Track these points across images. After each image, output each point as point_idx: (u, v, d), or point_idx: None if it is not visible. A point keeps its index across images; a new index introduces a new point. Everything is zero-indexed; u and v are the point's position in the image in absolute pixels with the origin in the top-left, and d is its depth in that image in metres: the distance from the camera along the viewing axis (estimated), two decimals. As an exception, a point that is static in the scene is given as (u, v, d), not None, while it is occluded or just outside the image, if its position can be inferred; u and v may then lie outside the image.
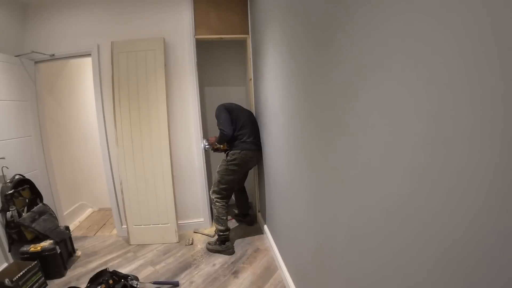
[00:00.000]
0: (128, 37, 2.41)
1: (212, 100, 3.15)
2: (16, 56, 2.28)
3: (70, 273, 2.07)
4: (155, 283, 1.89)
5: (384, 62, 0.62)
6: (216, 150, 2.53)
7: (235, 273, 1.98)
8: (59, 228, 2.18)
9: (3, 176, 2.02)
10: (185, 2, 2.46)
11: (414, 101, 0.54)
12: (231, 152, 2.27)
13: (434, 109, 0.49)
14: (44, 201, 2.30)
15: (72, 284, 1.91)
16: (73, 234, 2.57)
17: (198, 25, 2.51)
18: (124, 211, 2.48)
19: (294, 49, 1.28)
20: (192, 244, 2.45)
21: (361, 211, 0.78)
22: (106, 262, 2.22)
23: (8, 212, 1.94)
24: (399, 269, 0.63)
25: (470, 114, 0.42)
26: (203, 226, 2.76)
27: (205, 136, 2.92)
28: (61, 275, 2.02)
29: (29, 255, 1.92)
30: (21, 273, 1.72)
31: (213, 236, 2.53)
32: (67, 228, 2.27)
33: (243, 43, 2.77)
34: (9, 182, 2.02)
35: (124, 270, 2.03)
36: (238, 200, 2.80)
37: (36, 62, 2.48)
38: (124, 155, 2.41)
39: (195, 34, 2.51)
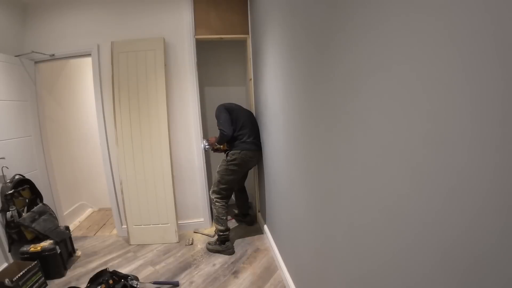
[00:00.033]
0: (128, 37, 2.41)
1: (212, 100, 3.15)
2: (16, 56, 2.28)
3: (70, 273, 2.07)
4: (155, 283, 1.89)
5: (384, 62, 0.62)
6: (216, 150, 2.53)
7: (235, 273, 1.98)
8: (59, 228, 2.18)
9: (3, 176, 2.02)
10: (185, 2, 2.46)
11: (414, 101, 0.54)
12: (231, 152, 2.27)
13: (434, 109, 0.49)
14: (44, 201, 2.30)
15: (72, 284, 1.91)
16: (73, 234, 2.57)
17: (198, 25, 2.51)
18: (124, 211, 2.48)
19: (294, 49, 1.28)
20: (192, 244, 2.45)
21: (361, 211, 0.78)
22: (106, 262, 2.22)
23: (8, 212, 1.94)
24: (399, 269, 0.63)
25: (470, 114, 0.42)
26: (203, 226, 2.76)
27: (205, 136, 2.92)
28: (61, 275, 2.02)
29: (29, 255, 1.92)
30: (21, 273, 1.72)
31: (213, 236, 2.53)
32: (67, 228, 2.27)
33: (243, 43, 2.77)
34: (9, 182, 2.03)
35: (124, 270, 2.03)
36: (238, 200, 2.80)
37: (36, 62, 2.48)
38: (124, 155, 2.41)
39: (195, 34, 2.51)
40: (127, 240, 2.53)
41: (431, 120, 0.50)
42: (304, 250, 1.39)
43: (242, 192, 2.76)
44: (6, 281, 1.62)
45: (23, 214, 2.03)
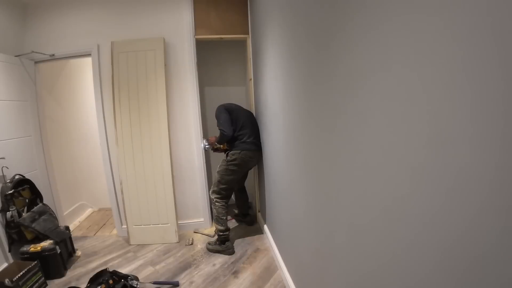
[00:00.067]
0: (128, 37, 2.41)
1: (212, 100, 3.15)
2: (16, 56, 2.28)
3: (70, 273, 2.07)
4: (155, 283, 1.89)
5: (384, 62, 0.62)
6: (216, 150, 2.53)
7: (235, 273, 1.98)
8: (59, 228, 2.18)
9: (3, 176, 2.02)
10: (185, 2, 2.46)
11: (414, 101, 0.54)
12: (231, 152, 2.27)
13: (434, 109, 0.49)
14: (44, 201, 2.30)
15: (72, 284, 1.91)
16: (73, 234, 2.57)
17: (198, 25, 2.51)
18: (124, 211, 2.48)
19: (294, 49, 1.28)
20: (192, 244, 2.45)
21: (361, 211, 0.78)
22: (106, 262, 2.22)
23: (8, 212, 1.94)
24: (399, 269, 0.63)
25: (470, 114, 0.42)
26: (203, 226, 2.76)
27: (205, 136, 2.92)
28: (61, 275, 2.02)
29: (29, 255, 1.92)
30: (21, 273, 1.72)
31: (213, 236, 2.53)
32: (67, 228, 2.27)
33: (243, 43, 2.77)
34: (9, 182, 2.02)
35: (124, 270, 2.03)
36: (238, 200, 2.80)
37: (36, 62, 2.48)
38: (124, 155, 2.41)
39: (195, 34, 2.51)
40: (127, 240, 2.53)
41: (431, 120, 0.50)
42: (304, 250, 1.39)
43: (242, 192, 2.76)
44: (6, 281, 1.62)
45: (23, 214, 2.03)
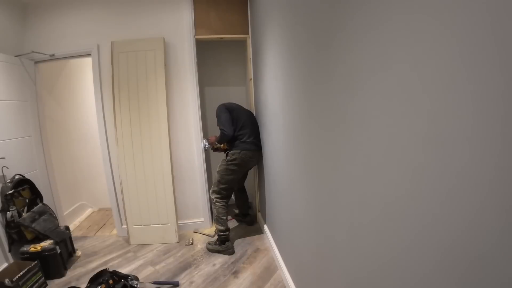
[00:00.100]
0: (128, 37, 2.41)
1: (212, 100, 3.15)
2: (16, 56, 2.28)
3: (70, 273, 2.07)
4: (155, 283, 1.89)
5: (384, 61, 0.62)
6: (216, 149, 2.53)
7: (235, 273, 1.98)
8: (59, 228, 2.18)
9: (3, 176, 2.02)
10: (185, 2, 2.46)
11: (414, 101, 0.54)
12: (231, 152, 2.27)
13: (434, 109, 0.49)
14: (44, 201, 2.30)
15: (72, 284, 1.91)
16: (73, 234, 2.58)
17: (198, 25, 2.51)
18: (124, 211, 2.48)
19: (294, 49, 1.28)
20: (192, 244, 2.45)
21: (361, 211, 0.78)
22: (106, 262, 2.22)
23: (8, 212, 1.94)
24: (399, 269, 0.63)
25: (470, 114, 0.42)
26: (203, 226, 2.76)
27: (205, 136, 2.92)
28: (61, 275, 2.02)
29: (29, 255, 1.92)
30: (21, 273, 1.72)
31: (213, 236, 2.53)
32: (67, 228, 2.27)
33: (243, 43, 2.77)
34: (9, 182, 2.03)
35: (124, 270, 2.03)
36: (238, 200, 2.80)
37: (36, 62, 2.48)
38: (124, 155, 2.41)
39: (195, 34, 2.51)
40: (127, 240, 2.53)
41: (431, 120, 0.50)
42: (304, 250, 1.39)
43: (242, 192, 2.77)
44: (6, 281, 1.62)
45: (23, 214, 2.03)
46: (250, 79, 2.66)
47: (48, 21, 2.43)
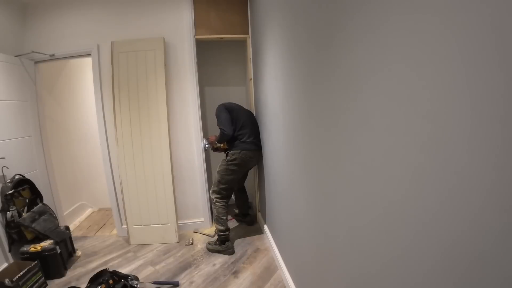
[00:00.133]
0: (128, 37, 2.41)
1: (212, 100, 3.15)
2: (16, 56, 2.28)
3: (70, 273, 2.07)
4: (155, 283, 1.89)
5: (384, 62, 0.62)
6: (216, 149, 2.53)
7: (235, 273, 1.98)
8: (59, 228, 2.18)
9: (3, 176, 2.02)
10: (185, 2, 2.46)
11: (414, 101, 0.54)
12: (231, 152, 2.27)
13: (434, 109, 0.49)
14: (44, 201, 2.30)
15: (72, 284, 1.91)
16: (73, 234, 2.58)
17: (198, 25, 2.51)
18: (124, 211, 2.48)
19: (294, 49, 1.28)
20: (192, 244, 2.45)
21: (361, 211, 0.78)
22: (106, 262, 2.22)
23: (8, 212, 1.94)
24: (399, 269, 0.63)
25: (470, 114, 0.42)
26: (203, 226, 2.76)
27: (205, 136, 2.92)
28: (61, 275, 2.02)
29: (29, 255, 1.92)
30: (21, 273, 1.72)
31: (213, 236, 2.53)
32: (67, 228, 2.27)
33: (243, 43, 2.77)
34: (9, 182, 2.03)
35: (124, 270, 2.03)
36: (238, 200, 2.80)
37: (36, 62, 2.48)
38: (124, 155, 2.41)
39: (195, 34, 2.51)
40: (127, 240, 2.53)
41: (431, 120, 0.50)
42: (304, 250, 1.39)
43: (242, 192, 2.77)
44: (6, 281, 1.62)
45: (23, 214, 2.03)
46: (250, 79, 2.66)
47: (48, 21, 2.43)
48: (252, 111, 2.58)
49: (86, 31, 2.44)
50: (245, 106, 2.57)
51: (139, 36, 2.42)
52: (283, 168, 1.67)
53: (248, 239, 2.49)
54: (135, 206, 2.46)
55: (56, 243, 2.03)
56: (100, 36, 2.44)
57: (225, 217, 2.27)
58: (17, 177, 2.10)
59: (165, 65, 2.39)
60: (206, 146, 2.51)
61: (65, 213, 2.85)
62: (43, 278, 1.89)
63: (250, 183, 3.02)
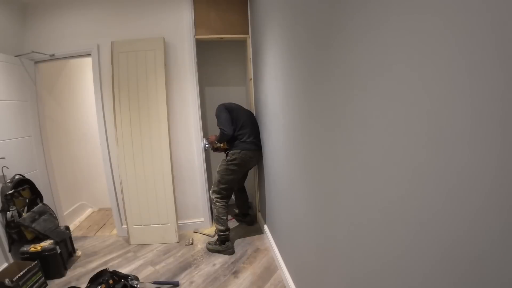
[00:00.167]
0: (128, 37, 2.41)
1: (212, 100, 3.15)
2: (16, 56, 2.28)
3: (70, 273, 2.07)
4: (155, 283, 1.89)
5: (384, 62, 0.62)
6: (216, 149, 2.53)
7: (235, 273, 1.98)
8: (59, 228, 2.18)
9: (3, 176, 2.02)
10: (185, 2, 2.46)
11: (414, 101, 0.54)
12: (231, 152, 2.27)
13: (434, 109, 0.49)
14: (44, 201, 2.30)
15: (72, 284, 1.91)
16: (73, 234, 2.58)
17: (198, 25, 2.51)
18: (124, 211, 2.48)
19: (294, 49, 1.28)
20: (192, 244, 2.45)
21: (362, 211, 0.78)
22: (106, 262, 2.22)
23: (8, 212, 1.94)
24: (400, 269, 0.63)
25: (470, 114, 0.42)
26: (203, 226, 2.76)
27: (205, 136, 2.92)
28: (61, 275, 2.02)
29: (29, 255, 1.92)
30: (21, 273, 1.72)
31: (213, 236, 2.53)
32: (67, 228, 2.27)
33: (243, 43, 2.77)
34: (9, 182, 2.03)
35: (124, 270, 2.03)
36: (238, 200, 2.80)
37: (36, 62, 2.48)
38: (124, 155, 2.41)
39: (195, 34, 2.51)
40: (127, 240, 2.53)
41: (431, 120, 0.50)
42: (304, 250, 1.39)
43: (242, 192, 2.77)
44: (6, 281, 1.62)
45: (23, 214, 2.03)
46: (250, 79, 2.66)
47: (48, 21, 2.43)
48: (252, 111, 2.58)
49: (86, 31, 2.44)
50: (245, 106, 2.57)
51: (139, 36, 2.42)
52: (283, 168, 1.67)
53: (248, 239, 2.49)
54: (135, 206, 2.46)
55: (56, 243, 2.03)
56: (100, 36, 2.44)
57: (225, 217, 2.27)
58: (17, 177, 2.11)
59: (165, 65, 2.39)
60: (206, 146, 2.51)
61: (65, 213, 2.85)
62: (43, 278, 1.89)
63: (250, 183, 3.02)
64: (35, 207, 2.15)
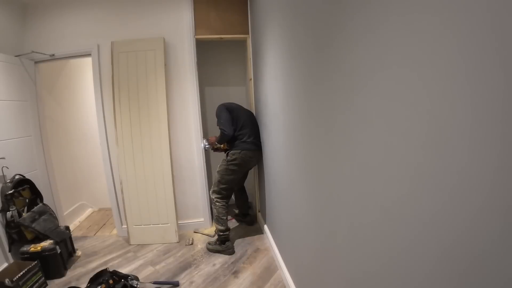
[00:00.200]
0: (128, 37, 2.41)
1: (212, 100, 3.15)
2: (16, 56, 2.28)
3: (70, 273, 2.07)
4: (155, 283, 1.89)
5: (384, 62, 0.62)
6: (216, 149, 2.53)
7: (235, 273, 1.98)
8: (59, 228, 2.18)
9: (3, 176, 2.02)
10: (185, 2, 2.46)
11: (414, 101, 0.54)
12: (231, 152, 2.27)
13: (434, 109, 0.49)
14: (44, 201, 2.30)
15: (72, 284, 1.91)
16: (73, 234, 2.58)
17: (198, 25, 2.51)
18: (124, 211, 2.48)
19: (294, 49, 1.28)
20: (192, 244, 2.45)
21: (362, 211, 0.78)
22: (106, 262, 2.22)
23: (8, 212, 1.94)
24: (400, 269, 0.63)
25: (470, 113, 0.42)
26: (203, 226, 2.76)
27: (205, 136, 2.92)
28: (61, 275, 2.02)
29: (29, 255, 1.92)
30: (21, 273, 1.72)
31: (213, 236, 2.53)
32: (67, 228, 2.27)
33: (243, 43, 2.77)
34: (9, 182, 2.03)
35: (124, 270, 2.03)
36: (238, 200, 2.80)
37: (36, 62, 2.48)
38: (124, 155, 2.41)
39: (195, 34, 2.51)
40: (127, 240, 2.53)
41: (431, 120, 0.50)
42: (304, 250, 1.39)
43: (242, 192, 2.77)
44: (6, 281, 1.62)
45: (23, 214, 2.03)
46: (250, 79, 2.66)
47: (48, 21, 2.43)
48: (252, 111, 2.58)
49: (86, 31, 2.44)
50: (245, 106, 2.57)
51: (139, 36, 2.42)
52: (283, 168, 1.67)
53: (248, 239, 2.49)
54: (135, 206, 2.46)
55: (56, 243, 2.03)
56: (100, 36, 2.44)
57: (225, 217, 2.27)
58: (17, 177, 2.11)
59: (165, 65, 2.39)
60: (206, 146, 2.51)
61: (65, 213, 2.85)
62: (43, 278, 1.89)
63: (250, 183, 3.02)
64: (35, 207, 2.15)
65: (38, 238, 2.05)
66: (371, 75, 0.67)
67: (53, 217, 2.24)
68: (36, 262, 1.86)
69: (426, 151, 0.51)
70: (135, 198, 2.45)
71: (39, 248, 1.95)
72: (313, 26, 1.02)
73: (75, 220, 3.07)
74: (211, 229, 2.72)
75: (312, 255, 1.26)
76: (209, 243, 2.34)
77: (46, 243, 2.00)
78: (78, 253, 2.34)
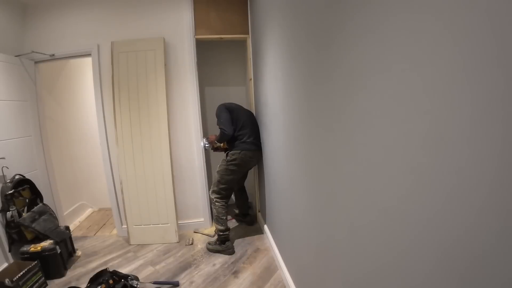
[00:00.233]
0: (128, 37, 2.41)
1: (212, 100, 3.15)
2: (16, 56, 2.28)
3: (70, 273, 2.07)
4: (155, 283, 1.89)
5: (384, 62, 0.62)
6: (216, 149, 2.53)
7: (235, 273, 1.98)
8: (59, 228, 2.18)
9: (3, 176, 2.02)
10: (185, 2, 2.46)
11: (414, 101, 0.54)
12: (231, 152, 2.27)
13: (434, 109, 0.49)
14: (44, 201, 2.30)
15: (72, 284, 1.91)
16: (73, 234, 2.58)
17: (198, 25, 2.51)
18: (124, 211, 2.48)
19: (294, 49, 1.28)
20: (192, 244, 2.45)
21: (362, 211, 0.78)
22: (106, 262, 2.22)
23: (8, 212, 1.94)
24: (400, 269, 0.63)
25: (470, 113, 0.42)
26: (203, 226, 2.76)
27: (205, 135, 2.92)
28: (61, 275, 2.02)
29: (29, 255, 1.92)
30: (21, 273, 1.72)
31: (213, 236, 2.53)
32: (67, 228, 2.27)
33: (243, 43, 2.77)
34: (9, 182, 2.03)
35: (124, 270, 2.03)
36: (238, 200, 2.80)
37: (36, 62, 2.48)
38: (124, 155, 2.41)
39: (195, 34, 2.51)
40: (127, 240, 2.53)
41: (431, 120, 0.50)
42: (304, 250, 1.39)
43: (242, 192, 2.77)
44: (6, 281, 1.62)
45: (23, 214, 2.03)
46: (250, 79, 2.66)
47: (48, 21, 2.43)
48: (252, 111, 2.58)
49: (86, 31, 2.44)
50: (245, 106, 2.57)
51: (139, 36, 2.42)
52: (283, 168, 1.67)
53: (248, 239, 2.49)
54: (135, 206, 2.46)
55: (56, 243, 2.03)
56: (100, 36, 2.44)
57: (225, 217, 2.27)
58: (17, 177, 2.11)
59: (165, 65, 2.39)
60: (206, 145, 2.51)
61: (65, 213, 2.85)
62: (43, 278, 1.89)
63: (250, 183, 3.02)
64: (35, 207, 2.15)
65: (38, 238, 2.05)
66: (371, 74, 0.67)
67: (53, 217, 2.24)
68: (36, 262, 1.86)
69: (426, 151, 0.51)
70: (135, 198, 2.45)
71: (39, 248, 1.95)
72: (313, 26, 1.02)
73: (75, 220, 3.07)
74: (211, 229, 2.72)
75: (313, 255, 1.26)
76: (209, 243, 2.34)
77: (46, 243, 2.00)
78: (78, 253, 2.34)
